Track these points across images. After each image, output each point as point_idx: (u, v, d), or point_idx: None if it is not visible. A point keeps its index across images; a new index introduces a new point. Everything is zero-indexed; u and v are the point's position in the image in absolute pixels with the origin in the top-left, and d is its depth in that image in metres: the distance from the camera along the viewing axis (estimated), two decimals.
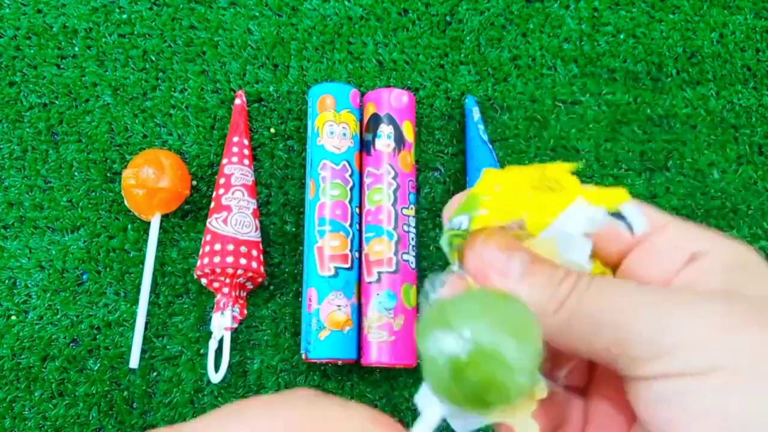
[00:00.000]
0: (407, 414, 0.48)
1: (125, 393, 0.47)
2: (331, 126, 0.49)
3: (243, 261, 0.46)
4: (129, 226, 0.50)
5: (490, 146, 0.51)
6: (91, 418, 0.47)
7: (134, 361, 0.47)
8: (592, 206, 0.21)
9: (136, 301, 0.48)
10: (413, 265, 0.48)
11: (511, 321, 0.18)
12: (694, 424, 0.18)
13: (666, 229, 0.22)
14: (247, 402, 0.20)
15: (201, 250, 0.48)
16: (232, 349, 0.48)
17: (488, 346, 0.18)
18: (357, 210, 0.49)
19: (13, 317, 0.48)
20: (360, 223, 0.49)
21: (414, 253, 0.48)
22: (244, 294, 0.49)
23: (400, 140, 0.49)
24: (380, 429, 0.19)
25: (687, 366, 0.18)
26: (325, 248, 0.47)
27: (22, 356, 0.48)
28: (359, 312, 0.47)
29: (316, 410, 0.19)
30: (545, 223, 0.21)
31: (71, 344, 0.48)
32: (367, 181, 0.49)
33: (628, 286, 0.20)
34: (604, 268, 0.23)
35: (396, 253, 0.47)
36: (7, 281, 0.49)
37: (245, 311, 0.49)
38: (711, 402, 0.17)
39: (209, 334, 0.48)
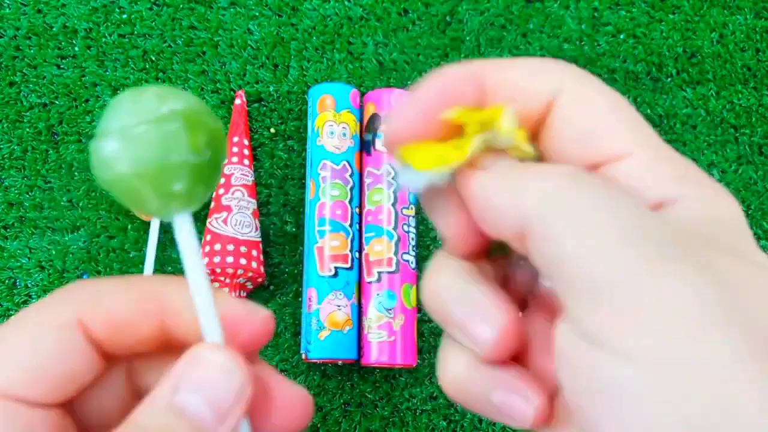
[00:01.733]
0: (407, 414, 0.48)
1: None
2: (331, 126, 0.49)
3: (243, 261, 0.46)
4: (129, 226, 0.50)
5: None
6: None
7: None
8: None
9: None
10: (413, 265, 0.48)
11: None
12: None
13: (629, 160, 0.17)
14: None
15: (201, 250, 0.48)
16: None
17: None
18: (357, 210, 0.49)
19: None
20: (360, 223, 0.49)
21: (414, 253, 0.48)
22: (244, 294, 0.49)
23: None
24: None
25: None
26: (325, 248, 0.47)
27: None
28: (359, 312, 0.47)
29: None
30: None
31: None
32: (367, 181, 0.49)
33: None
34: None
35: (396, 253, 0.47)
36: (7, 281, 0.49)
37: None
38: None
39: None
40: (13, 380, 0.18)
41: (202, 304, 0.19)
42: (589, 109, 0.18)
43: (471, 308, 0.18)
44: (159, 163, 0.17)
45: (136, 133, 0.17)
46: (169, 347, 0.20)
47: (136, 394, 0.21)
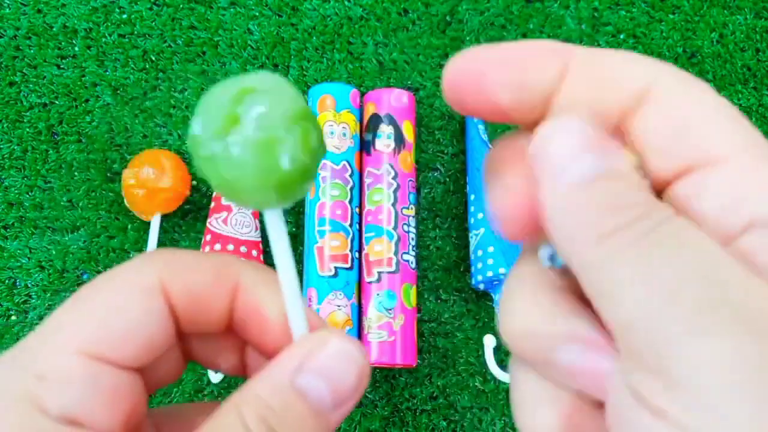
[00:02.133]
0: (407, 414, 0.48)
1: None
2: (331, 126, 0.49)
3: None
4: (129, 226, 0.50)
5: (490, 146, 0.51)
6: None
7: None
8: None
9: None
10: (413, 265, 0.48)
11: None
12: None
13: (729, 164, 0.15)
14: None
15: (201, 250, 0.48)
16: None
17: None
18: (357, 210, 0.49)
19: (13, 317, 0.48)
20: (360, 223, 0.49)
21: (414, 253, 0.48)
22: None
23: (400, 140, 0.49)
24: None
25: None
26: (325, 248, 0.47)
27: None
28: (359, 312, 0.47)
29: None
30: None
31: None
32: (367, 181, 0.49)
33: (687, 261, 0.14)
34: None
35: (396, 253, 0.47)
36: (7, 281, 0.49)
37: None
38: None
39: None
40: (99, 341, 0.17)
41: (292, 296, 0.19)
42: (688, 104, 0.16)
43: (582, 347, 0.16)
44: (257, 168, 0.17)
45: (241, 138, 0.17)
46: (227, 328, 0.20)
47: (187, 358, 0.21)
